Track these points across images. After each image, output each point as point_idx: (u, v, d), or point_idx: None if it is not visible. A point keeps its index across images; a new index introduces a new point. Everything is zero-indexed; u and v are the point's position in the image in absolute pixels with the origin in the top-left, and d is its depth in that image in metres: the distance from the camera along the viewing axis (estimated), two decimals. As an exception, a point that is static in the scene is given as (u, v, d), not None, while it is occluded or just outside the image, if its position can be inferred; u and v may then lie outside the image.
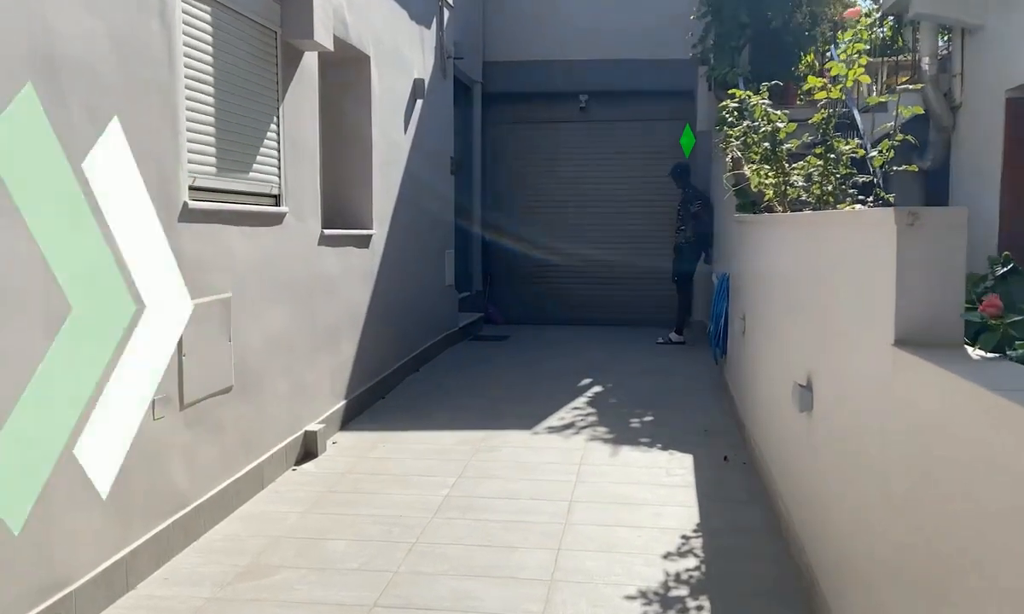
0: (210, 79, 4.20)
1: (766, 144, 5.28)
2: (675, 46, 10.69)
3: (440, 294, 8.90)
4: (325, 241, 5.63)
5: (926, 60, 9.23)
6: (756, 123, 5.40)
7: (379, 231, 6.79)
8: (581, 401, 6.79)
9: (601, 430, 5.93)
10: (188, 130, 3.95)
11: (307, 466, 5.09)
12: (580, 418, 6.25)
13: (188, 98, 3.96)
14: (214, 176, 4.25)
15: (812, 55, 10.05)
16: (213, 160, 4.25)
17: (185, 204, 3.87)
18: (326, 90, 6.32)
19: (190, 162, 3.98)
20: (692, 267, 9.66)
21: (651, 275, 11.49)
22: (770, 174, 5.55)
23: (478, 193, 11.75)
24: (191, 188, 3.97)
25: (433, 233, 8.59)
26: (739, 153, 7.24)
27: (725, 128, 7.68)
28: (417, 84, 7.77)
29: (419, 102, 7.89)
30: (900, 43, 10.84)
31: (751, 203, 6.95)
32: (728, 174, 6.98)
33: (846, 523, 2.77)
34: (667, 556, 3.80)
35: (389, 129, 7.05)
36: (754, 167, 5.93)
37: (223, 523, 4.16)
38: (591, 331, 10.89)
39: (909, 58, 10.33)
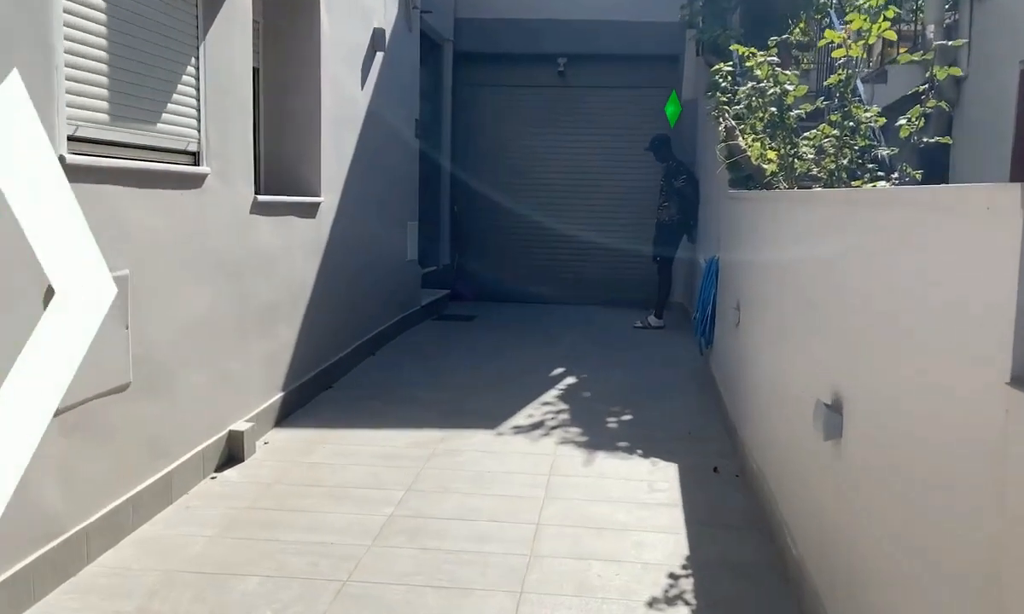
0: (100, 3, 3.39)
1: (772, 109, 4.57)
2: (660, 7, 9.92)
3: (401, 270, 8.13)
4: (259, 209, 4.84)
5: (931, 29, 8.58)
6: (761, 85, 4.68)
7: (329, 199, 6.00)
8: (552, 395, 6.09)
9: (574, 431, 5.24)
10: (68, 65, 3.15)
11: (229, 473, 4.34)
12: (551, 416, 5.56)
13: (68, 25, 3.15)
14: (105, 126, 3.45)
15: (805, 22, 9.37)
16: (104, 105, 3.45)
17: (61, 158, 3.08)
18: (268, 32, 5.50)
19: (70, 107, 3.18)
20: (674, 247, 8.97)
21: (630, 253, 10.81)
22: (773, 146, 4.84)
23: (447, 161, 10.96)
24: (71, 139, 3.18)
25: (394, 203, 7.81)
26: (733, 122, 6.54)
27: (718, 95, 6.96)
28: (377, 34, 6.95)
29: (379, 55, 7.07)
30: (893, 13, 10.23)
31: (746, 178, 6.26)
32: (721, 145, 6.26)
33: (901, 599, 2.09)
34: (652, 604, 3.12)
35: (343, 83, 6.24)
36: (755, 137, 5.23)
37: (113, 551, 3.40)
38: (566, 311, 10.20)
39: (910, 28, 9.69)
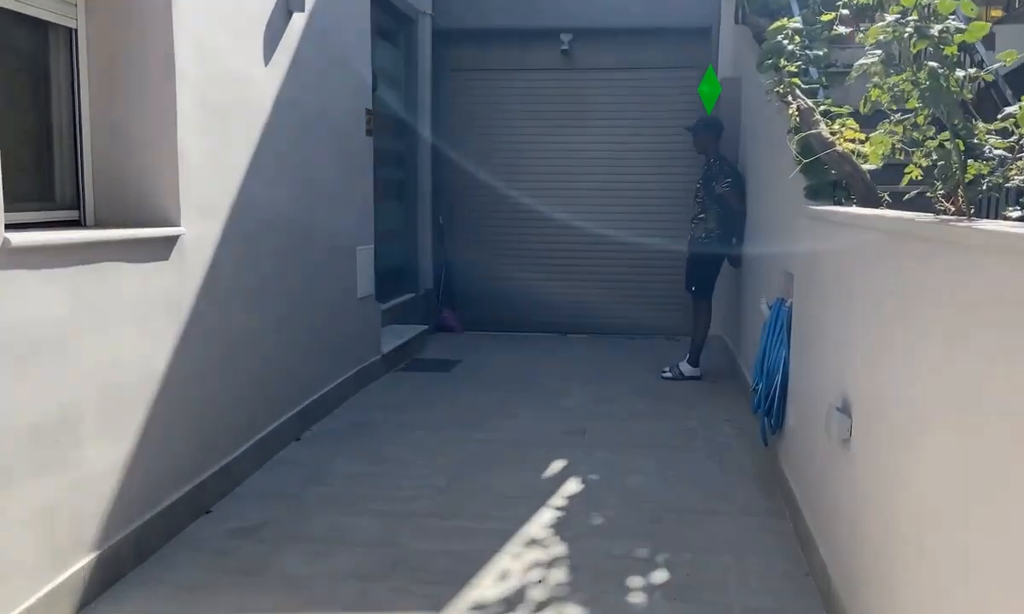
0: None
1: (933, 64, 2.43)
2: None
3: (348, 313, 6.07)
4: (18, 259, 2.80)
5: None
6: (903, 20, 2.52)
7: (198, 229, 3.96)
8: (543, 522, 4.00)
9: (574, 612, 3.16)
10: None
11: None
12: (537, 575, 3.46)
13: None
14: None
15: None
16: None
17: None
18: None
19: None
20: (714, 271, 6.85)
21: (655, 274, 8.74)
22: (919, 132, 2.73)
23: (427, 162, 8.90)
24: None
25: (333, 225, 5.76)
26: (808, 102, 4.43)
27: (782, 62, 4.85)
28: (290, -12, 4.91)
29: (296, 20, 5.02)
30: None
31: (831, 185, 4.15)
32: (799, 136, 4.16)
33: None
34: None
35: (222, 55, 4.19)
36: (838, 123, 3.10)
37: None
38: (574, 347, 8.17)
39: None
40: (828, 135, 4.08)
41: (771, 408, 4.44)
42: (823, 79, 4.90)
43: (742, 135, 7.23)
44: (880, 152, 2.88)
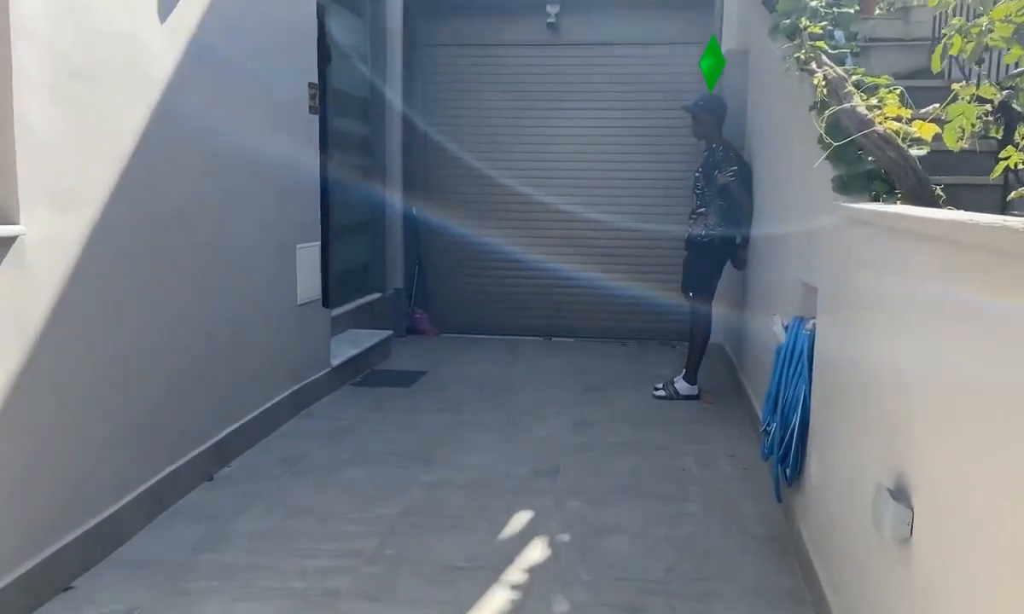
0: None
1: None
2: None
3: (283, 323, 5.17)
4: None
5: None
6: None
7: (55, 226, 3.06)
8: (491, 609, 3.11)
9: None
10: None
11: None
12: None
13: None
14: None
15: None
16: None
17: None
18: None
19: None
20: (715, 275, 5.94)
21: (650, 272, 7.85)
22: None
23: (397, 147, 7.98)
24: None
25: (261, 220, 4.84)
26: (839, 71, 3.53)
27: (803, 22, 3.95)
28: (196, -72, 3.98)
29: (206, -33, 4.09)
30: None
31: (867, 175, 3.26)
32: (828, 112, 3.27)
33: None
34: None
35: (99, 6, 3.28)
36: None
37: None
38: (558, 353, 7.33)
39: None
40: (865, 111, 3.17)
41: (786, 455, 3.55)
42: (853, 45, 3.98)
43: (748, 117, 6.31)
44: (959, 128, 1.98)
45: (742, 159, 5.86)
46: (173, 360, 3.89)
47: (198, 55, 3.99)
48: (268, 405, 4.91)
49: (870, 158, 3.19)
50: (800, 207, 4.01)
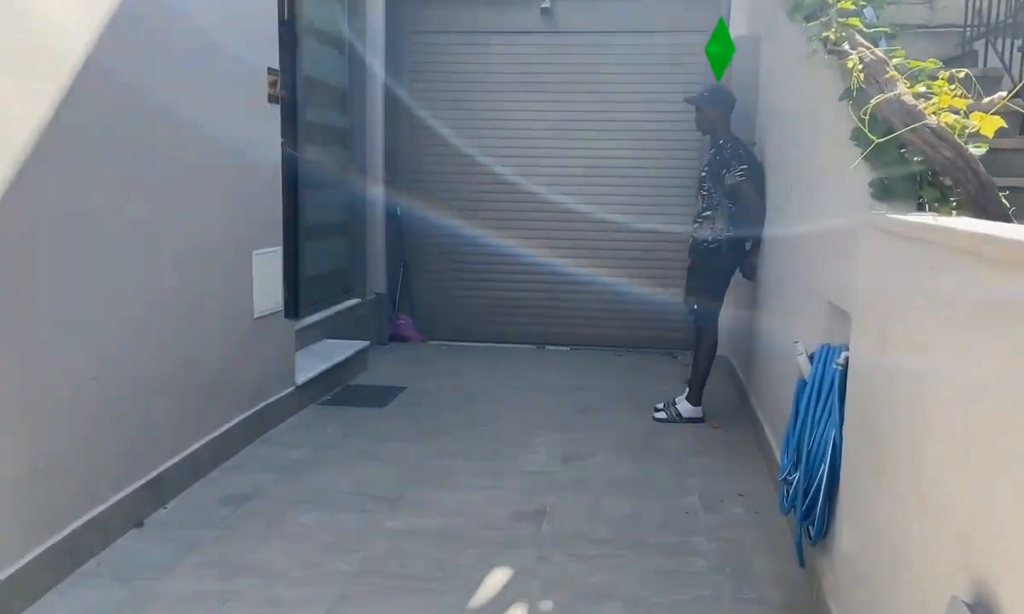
0: None
1: None
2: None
3: (236, 338, 4.59)
4: None
5: None
6: None
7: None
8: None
9: None
10: None
11: None
12: None
13: None
14: None
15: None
16: None
17: None
18: None
19: None
20: (722, 285, 5.35)
21: (649, 274, 7.31)
22: None
23: (379, 142, 7.42)
24: None
25: (206, 223, 4.26)
26: (878, 53, 2.95)
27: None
28: None
29: (134, -70, 3.51)
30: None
31: (913, 178, 2.68)
32: (872, 103, 2.69)
33: None
34: None
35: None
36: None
37: None
38: (551, 365, 6.80)
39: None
40: (912, 101, 2.60)
41: (810, 510, 2.98)
42: (891, 26, 3.39)
43: (760, 110, 5.73)
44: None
45: (753, 157, 5.28)
46: (95, 387, 3.33)
47: (123, 29, 3.42)
48: (217, 433, 4.34)
49: (917, 158, 2.61)
50: (826, 215, 3.43)
